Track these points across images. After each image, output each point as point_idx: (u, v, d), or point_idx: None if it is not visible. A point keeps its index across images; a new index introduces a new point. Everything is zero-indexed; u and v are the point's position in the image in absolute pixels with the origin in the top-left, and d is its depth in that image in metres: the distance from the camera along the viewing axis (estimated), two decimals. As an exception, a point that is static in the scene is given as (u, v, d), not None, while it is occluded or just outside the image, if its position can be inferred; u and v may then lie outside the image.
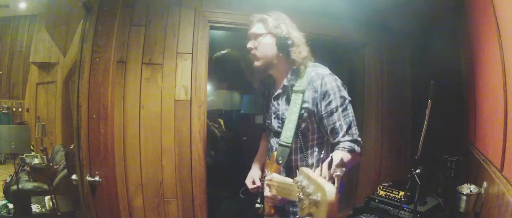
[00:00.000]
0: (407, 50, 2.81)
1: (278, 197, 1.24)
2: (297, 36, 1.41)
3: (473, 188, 1.59)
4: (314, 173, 0.79)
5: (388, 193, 2.23)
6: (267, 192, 1.28)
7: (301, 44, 1.41)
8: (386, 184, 2.30)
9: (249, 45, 1.44)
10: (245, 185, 1.65)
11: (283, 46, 1.39)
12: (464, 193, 1.59)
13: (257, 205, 1.56)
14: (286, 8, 1.55)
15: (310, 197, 0.71)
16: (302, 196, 0.77)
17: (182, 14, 2.15)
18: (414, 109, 2.75)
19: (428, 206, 2.10)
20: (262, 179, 1.56)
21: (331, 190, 0.67)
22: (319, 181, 0.72)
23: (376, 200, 2.24)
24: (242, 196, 1.73)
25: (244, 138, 3.44)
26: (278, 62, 1.44)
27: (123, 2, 1.79)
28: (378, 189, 2.31)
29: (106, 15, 1.58)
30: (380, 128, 2.68)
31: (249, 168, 1.70)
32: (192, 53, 2.14)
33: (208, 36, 2.19)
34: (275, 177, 1.24)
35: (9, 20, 5.88)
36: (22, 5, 5.47)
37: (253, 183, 1.58)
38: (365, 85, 2.74)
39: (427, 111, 1.58)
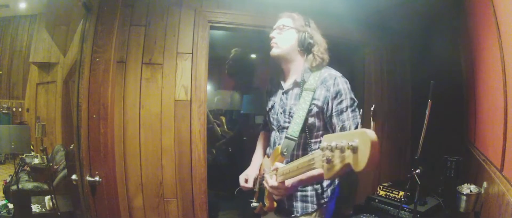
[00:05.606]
0: (407, 50, 2.82)
1: (286, 184, 1.28)
2: (319, 39, 1.51)
3: (473, 188, 1.59)
4: (340, 133, 0.87)
5: (388, 193, 2.23)
6: (272, 182, 1.30)
7: (322, 47, 1.49)
8: (386, 184, 2.30)
9: (273, 34, 1.52)
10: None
11: (303, 43, 1.47)
12: (464, 193, 1.59)
13: (254, 205, 1.57)
14: (286, 8, 1.56)
15: (347, 146, 0.76)
16: (331, 155, 0.83)
17: (182, 14, 2.15)
18: (414, 109, 2.75)
19: (428, 206, 2.10)
20: (260, 178, 1.57)
21: (369, 130, 0.73)
22: (350, 132, 0.80)
23: (376, 200, 2.24)
24: (238, 196, 1.74)
25: (244, 138, 3.44)
26: (295, 57, 1.51)
27: (123, 2, 1.79)
28: (378, 189, 2.31)
29: (106, 15, 1.58)
30: (380, 128, 2.68)
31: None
32: (192, 53, 2.14)
33: (208, 36, 2.19)
34: (281, 165, 1.30)
35: (9, 20, 5.87)
36: (22, 5, 5.46)
37: (246, 181, 1.62)
38: (365, 85, 2.74)
39: (427, 111, 1.58)
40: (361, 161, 0.73)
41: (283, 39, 1.49)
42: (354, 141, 0.74)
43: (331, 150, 0.83)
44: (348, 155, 0.77)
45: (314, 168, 1.01)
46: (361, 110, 0.90)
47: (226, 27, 2.29)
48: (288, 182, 1.29)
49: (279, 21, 1.54)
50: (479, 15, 1.68)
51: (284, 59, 1.52)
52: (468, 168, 1.91)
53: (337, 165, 0.81)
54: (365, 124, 0.91)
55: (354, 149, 0.74)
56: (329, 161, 0.84)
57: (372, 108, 0.92)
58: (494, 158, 1.43)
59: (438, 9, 2.33)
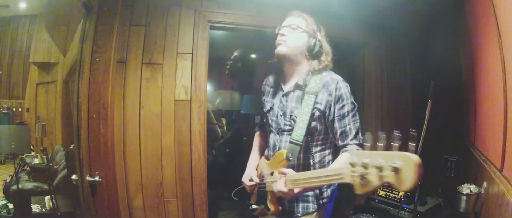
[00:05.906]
0: (407, 50, 2.81)
1: (295, 191, 1.27)
2: (327, 47, 1.51)
3: (473, 188, 1.59)
4: (371, 151, 0.89)
5: (388, 193, 2.23)
6: (282, 188, 1.28)
7: (329, 56, 1.49)
8: (386, 184, 2.30)
9: (283, 31, 1.48)
10: (238, 186, 1.65)
11: (313, 49, 1.46)
12: (464, 193, 1.59)
13: (253, 207, 1.56)
14: (286, 8, 1.56)
15: (389, 167, 0.80)
16: (365, 172, 0.87)
17: (182, 14, 2.15)
18: (414, 109, 2.75)
19: (428, 206, 2.10)
20: (261, 178, 1.56)
21: (413, 155, 0.78)
22: (389, 153, 0.83)
23: (376, 200, 2.24)
24: (235, 198, 1.73)
25: (244, 138, 3.44)
26: (300, 60, 1.49)
27: (123, 2, 1.79)
28: (378, 189, 2.31)
29: (106, 15, 1.58)
30: (380, 128, 2.68)
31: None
32: (192, 53, 2.14)
33: (208, 36, 2.19)
34: (292, 172, 1.30)
35: (9, 20, 5.87)
36: (22, 5, 5.46)
37: (250, 180, 1.59)
38: (365, 85, 2.74)
39: (427, 111, 1.59)
40: (406, 183, 0.78)
41: (293, 39, 1.46)
42: (396, 163, 0.79)
43: (365, 167, 0.87)
44: (389, 175, 0.81)
45: (340, 181, 1.02)
46: (382, 129, 0.92)
47: (226, 27, 2.28)
48: (298, 189, 1.27)
49: (289, 19, 1.50)
50: (479, 15, 1.68)
51: (289, 60, 1.49)
52: (468, 168, 1.91)
53: (375, 182, 0.86)
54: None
55: (397, 170, 0.79)
56: (363, 177, 0.88)
57: (412, 132, 0.97)
58: (494, 158, 1.43)
59: (438, 9, 2.33)
